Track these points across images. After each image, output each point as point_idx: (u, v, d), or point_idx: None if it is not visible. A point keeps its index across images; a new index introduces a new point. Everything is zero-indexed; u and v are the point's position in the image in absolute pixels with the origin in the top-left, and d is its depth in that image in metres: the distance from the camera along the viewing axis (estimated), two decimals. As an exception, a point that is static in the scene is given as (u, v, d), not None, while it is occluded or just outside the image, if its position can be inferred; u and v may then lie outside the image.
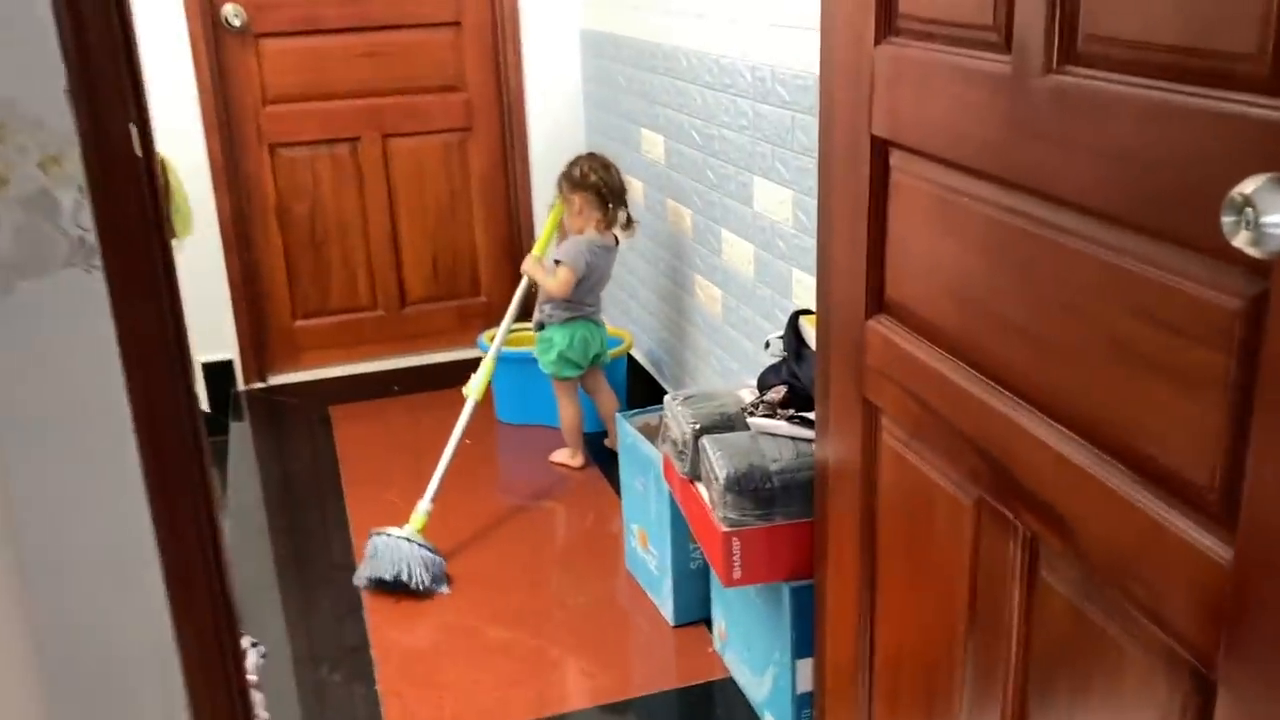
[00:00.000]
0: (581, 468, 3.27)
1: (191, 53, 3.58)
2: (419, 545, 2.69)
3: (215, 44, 3.65)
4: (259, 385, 3.98)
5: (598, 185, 3.05)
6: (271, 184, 3.86)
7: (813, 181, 2.32)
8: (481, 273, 4.19)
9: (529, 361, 3.44)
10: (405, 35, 3.87)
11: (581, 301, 3.13)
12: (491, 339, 3.36)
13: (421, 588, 2.64)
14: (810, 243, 2.34)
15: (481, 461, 3.37)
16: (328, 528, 3.07)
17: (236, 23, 3.63)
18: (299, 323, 4.05)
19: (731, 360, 2.93)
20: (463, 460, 3.31)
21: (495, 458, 3.46)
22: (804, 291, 2.44)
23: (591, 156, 3.16)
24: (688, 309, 3.21)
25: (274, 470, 3.51)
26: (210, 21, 3.61)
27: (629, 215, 3.14)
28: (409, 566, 2.63)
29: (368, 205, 3.98)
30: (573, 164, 3.13)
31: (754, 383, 2.12)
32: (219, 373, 3.89)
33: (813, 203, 2.34)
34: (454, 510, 3.01)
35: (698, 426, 2.00)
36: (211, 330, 3.85)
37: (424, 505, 2.86)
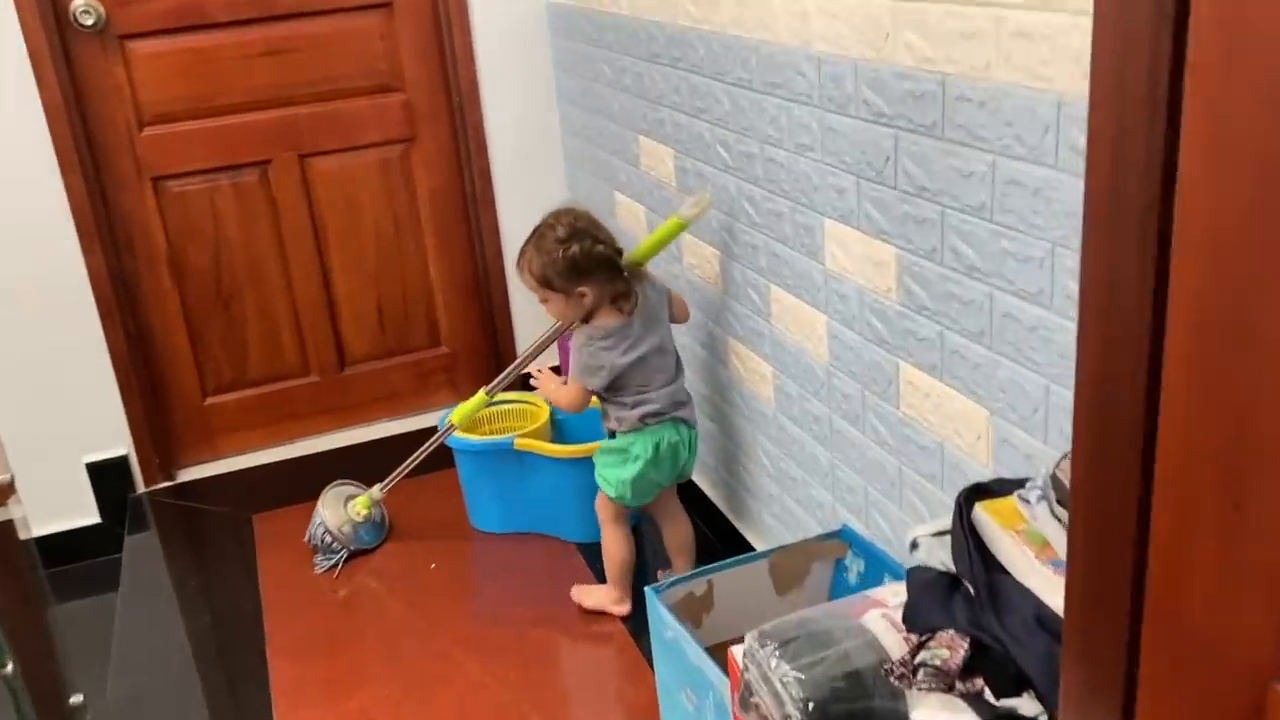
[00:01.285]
0: (626, 618, 2.34)
1: (32, 65, 2.68)
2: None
3: (65, 51, 2.75)
4: (165, 484, 3.11)
5: (610, 256, 2.13)
6: (160, 228, 2.98)
7: (928, 239, 1.49)
8: (440, 318, 3.33)
9: (513, 454, 2.61)
10: (319, 24, 2.97)
11: (645, 388, 2.16)
12: (461, 415, 2.53)
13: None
14: (928, 331, 1.51)
15: (453, 597, 2.53)
16: (242, 707, 2.24)
17: (88, 21, 2.72)
18: (210, 400, 3.18)
19: (794, 465, 2.10)
20: (425, 596, 2.49)
21: (472, 591, 2.62)
22: (921, 401, 1.61)
23: (571, 218, 2.16)
24: (723, 384, 2.38)
25: (182, 603, 2.65)
26: (54, 22, 2.71)
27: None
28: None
29: (288, 245, 3.11)
30: (557, 247, 2.11)
31: (831, 509, 1.29)
32: (111, 473, 3.03)
33: (933, 270, 1.50)
34: (417, 693, 2.19)
35: (812, 708, 1.17)
36: (96, 421, 2.98)
37: (374, 490, 2.65)
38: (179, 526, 3.00)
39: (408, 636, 2.38)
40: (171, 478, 3.13)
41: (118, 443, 3.03)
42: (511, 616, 2.42)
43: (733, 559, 1.81)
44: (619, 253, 2.14)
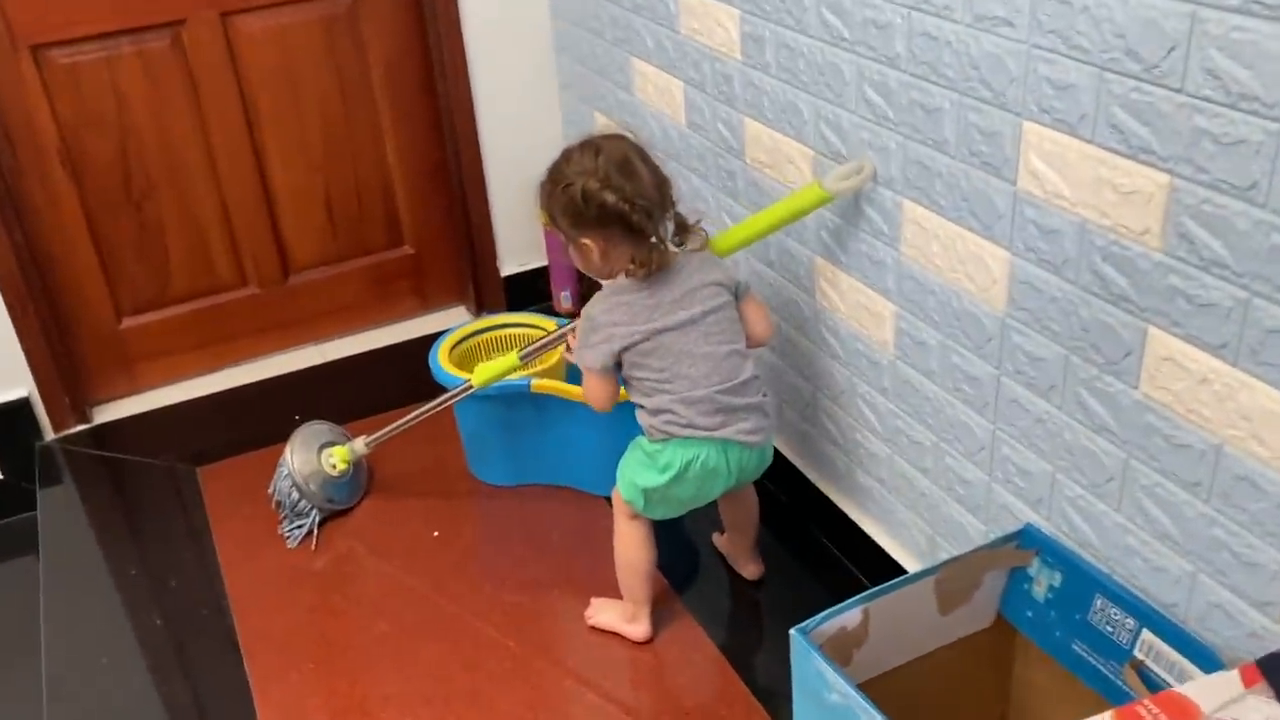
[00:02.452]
0: (648, 641, 1.85)
1: None
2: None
3: (-105, -125, 2.04)
4: (78, 429, 2.55)
5: (621, 210, 1.58)
6: (46, 112, 2.32)
7: (1242, 166, 1.02)
8: (402, 212, 2.76)
9: (528, 398, 2.12)
10: None
11: (665, 385, 1.63)
12: (485, 376, 2.00)
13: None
14: (1217, 295, 1.05)
15: (460, 567, 2.07)
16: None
17: None
18: (127, 322, 2.59)
19: (921, 428, 1.66)
20: (425, 565, 2.03)
21: (483, 559, 2.14)
22: (1184, 385, 1.17)
23: (596, 151, 1.61)
24: (801, 313, 1.90)
25: (118, 581, 2.14)
26: None
27: (681, 220, 1.68)
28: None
29: (211, 129, 2.48)
30: (562, 180, 1.62)
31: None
32: (10, 419, 2.45)
33: (1243, 214, 1.04)
34: (428, 688, 1.74)
35: None
36: (-17, 358, 2.39)
37: (358, 444, 2.17)
38: (103, 481, 2.45)
39: (409, 616, 1.93)
40: (87, 419, 2.56)
41: (15, 383, 2.44)
42: (537, 587, 1.98)
43: (893, 583, 1.38)
44: (648, 212, 1.58)
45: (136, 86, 2.37)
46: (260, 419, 2.55)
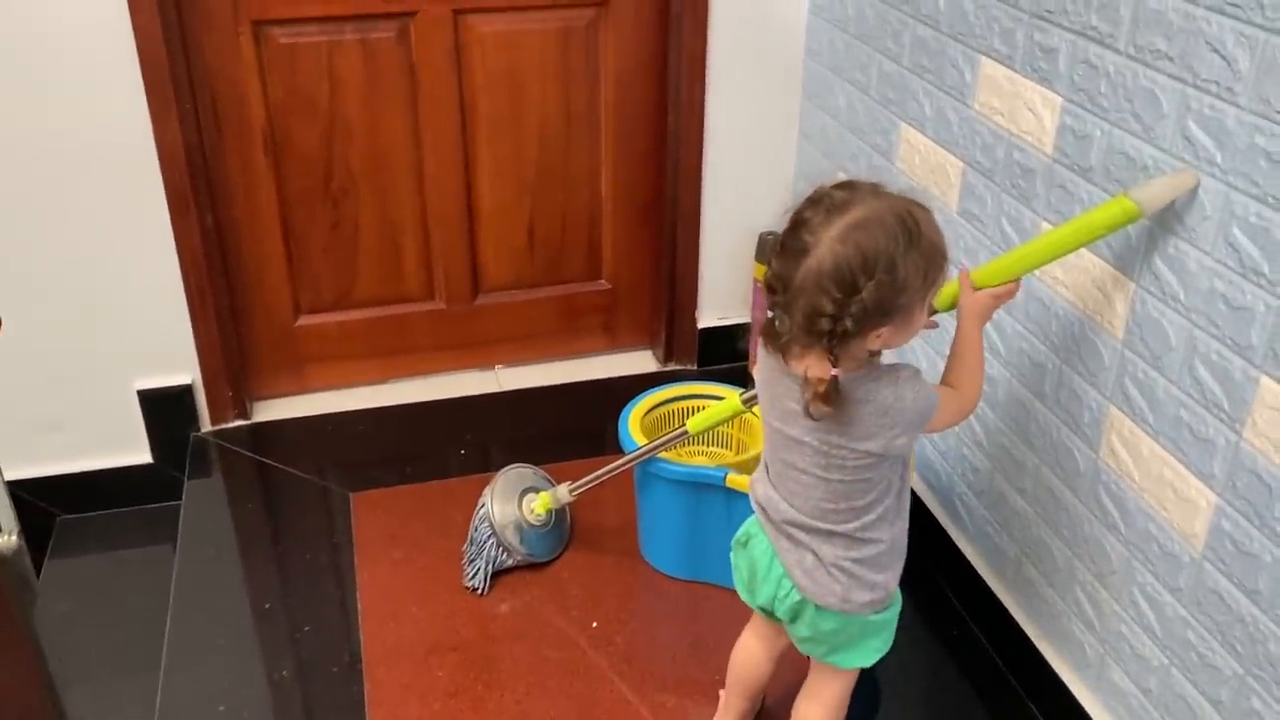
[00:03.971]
0: None
1: None
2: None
3: None
4: (237, 424, 2.40)
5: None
6: (258, 92, 2.17)
7: None
8: (605, 245, 2.54)
9: (720, 490, 1.87)
10: None
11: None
12: (702, 423, 1.78)
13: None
14: None
15: (618, 670, 1.82)
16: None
17: None
18: (303, 320, 2.43)
19: (1223, 649, 1.33)
20: (576, 671, 1.77)
21: (642, 665, 1.89)
22: None
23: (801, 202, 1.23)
24: (1072, 465, 1.59)
25: (253, 597, 1.97)
26: None
27: None
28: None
29: (424, 131, 2.29)
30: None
31: None
32: (171, 406, 2.31)
33: None
34: None
35: None
36: (155, 338, 2.25)
37: (561, 490, 1.98)
38: (253, 486, 2.29)
39: (552, 712, 1.70)
40: (246, 414, 2.41)
41: (181, 368, 2.30)
42: (691, 689, 1.72)
43: None
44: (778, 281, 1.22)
45: (354, 75, 2.20)
46: (425, 442, 2.37)
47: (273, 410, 2.46)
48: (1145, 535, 1.45)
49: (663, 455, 1.91)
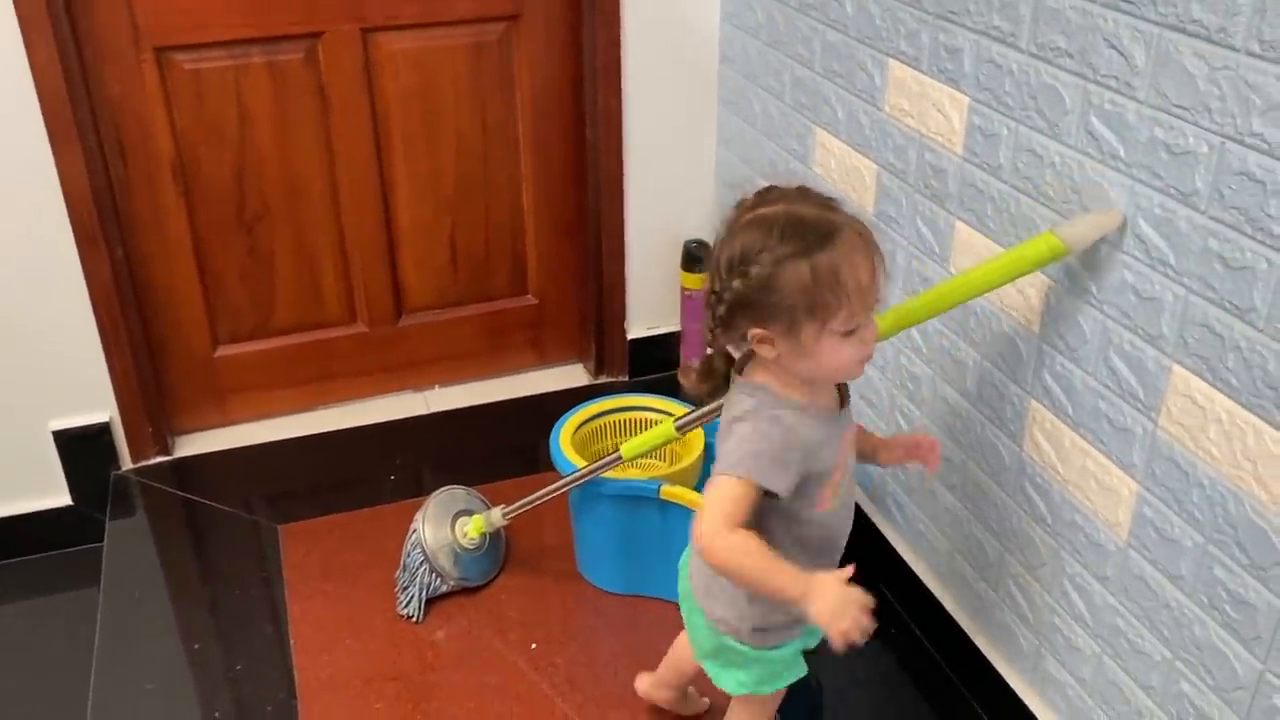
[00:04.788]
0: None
1: None
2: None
3: None
4: (158, 460, 2.34)
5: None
6: (164, 122, 2.12)
7: None
8: (530, 260, 2.52)
9: (655, 503, 1.87)
10: None
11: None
12: (635, 449, 1.76)
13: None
14: None
15: (559, 692, 1.80)
16: None
17: None
18: (222, 351, 2.38)
19: (1152, 638, 1.35)
20: (515, 697, 1.74)
21: (579, 688, 1.87)
22: None
23: (773, 202, 1.18)
24: (999, 461, 1.60)
25: (173, 658, 1.92)
26: None
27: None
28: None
29: (338, 153, 2.26)
30: (737, 231, 1.18)
31: None
32: (88, 444, 2.25)
33: None
34: None
35: None
36: (69, 377, 2.19)
37: (495, 514, 1.95)
38: (178, 524, 2.23)
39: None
40: (167, 450, 2.35)
41: (97, 405, 2.24)
42: (637, 708, 1.70)
43: None
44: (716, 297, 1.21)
45: (262, 100, 2.16)
46: (354, 469, 2.32)
47: (195, 444, 2.40)
48: (1072, 526, 1.47)
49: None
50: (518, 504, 1.93)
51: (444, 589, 1.94)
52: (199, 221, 2.22)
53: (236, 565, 2.09)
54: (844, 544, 1.35)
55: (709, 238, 1.91)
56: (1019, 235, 1.47)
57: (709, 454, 2.00)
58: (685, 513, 1.83)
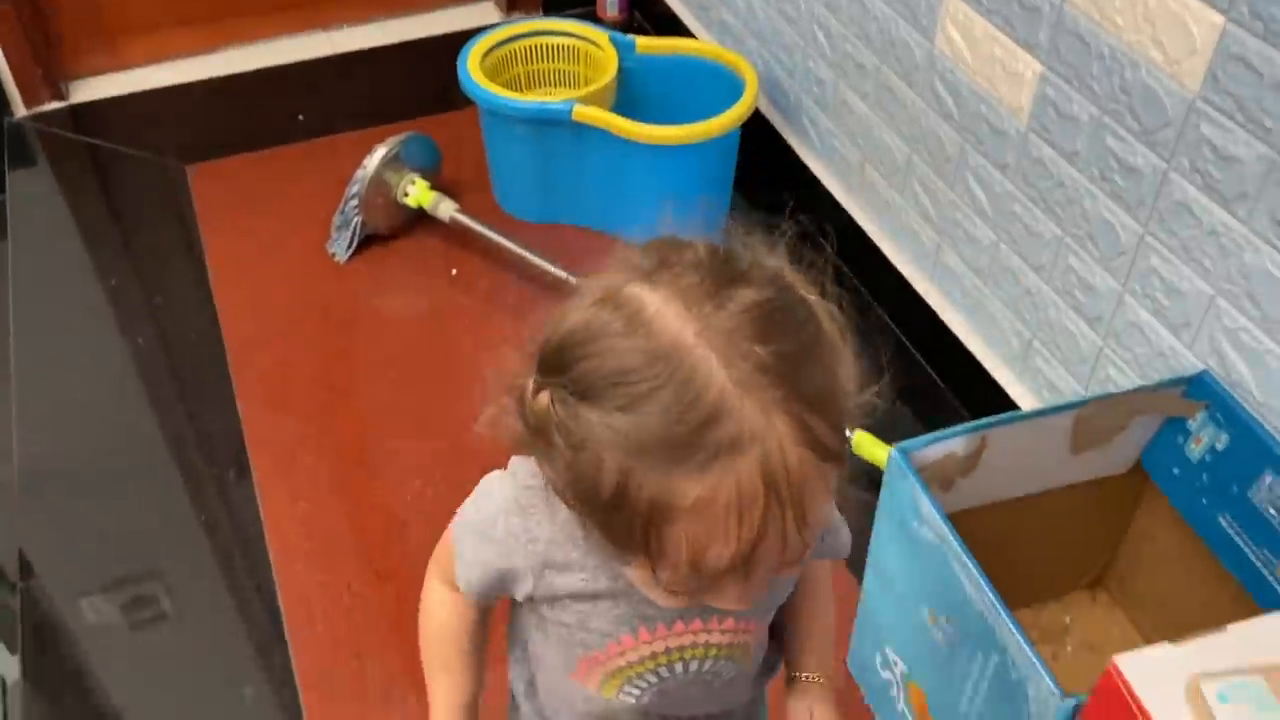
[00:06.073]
0: None
1: None
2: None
3: None
4: (54, 105, 2.25)
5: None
6: None
7: None
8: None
9: (568, 125, 1.84)
10: None
11: None
12: (484, 54, 1.75)
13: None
14: None
15: (485, 316, 1.84)
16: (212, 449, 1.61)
17: None
18: (107, -13, 2.24)
19: (1045, 217, 1.40)
20: (435, 319, 1.80)
21: (497, 309, 1.90)
22: None
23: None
24: (909, 56, 1.59)
25: (100, 275, 1.91)
26: None
27: None
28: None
29: None
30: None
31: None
32: (-28, 89, 2.15)
33: None
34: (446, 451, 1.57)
35: None
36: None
37: (446, 205, 1.91)
38: (82, 169, 2.17)
39: (415, 358, 1.74)
40: (62, 95, 2.25)
41: (-22, 47, 2.12)
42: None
43: (1027, 412, 1.17)
44: None
45: None
46: (260, 109, 2.26)
47: (91, 89, 2.30)
48: (976, 117, 1.48)
49: (507, 94, 1.85)
50: (470, 220, 1.89)
51: (370, 232, 1.92)
52: None
53: (146, 206, 2.05)
54: None
55: None
56: None
57: (624, 77, 1.96)
58: (600, 136, 1.82)
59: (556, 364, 0.59)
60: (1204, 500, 1.16)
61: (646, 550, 0.58)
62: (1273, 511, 1.09)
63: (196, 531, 1.53)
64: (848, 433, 0.60)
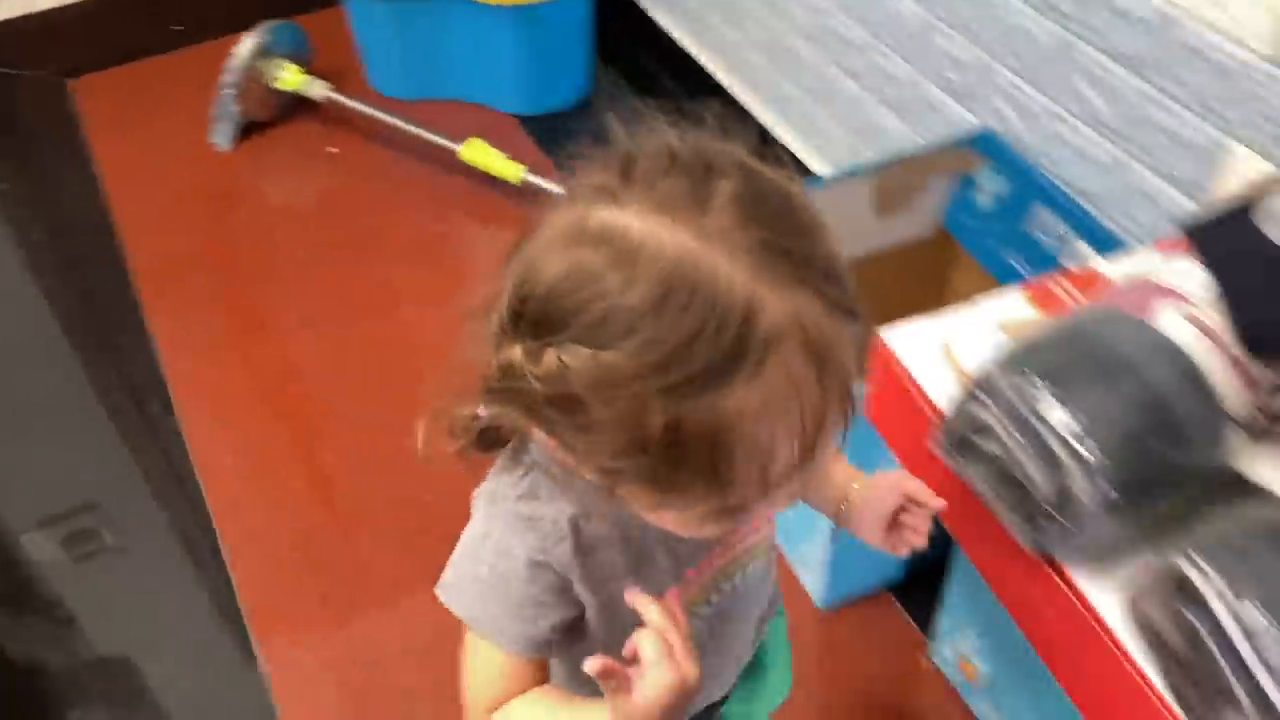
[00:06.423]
0: None
1: None
2: None
3: None
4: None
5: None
6: None
7: None
8: None
9: None
10: None
11: None
12: None
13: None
14: None
15: (365, 196, 1.95)
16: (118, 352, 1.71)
17: None
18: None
19: (857, 26, 1.54)
20: (326, 195, 1.92)
21: (387, 183, 2.00)
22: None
23: None
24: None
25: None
26: None
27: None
28: None
29: None
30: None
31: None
32: None
33: None
34: (339, 330, 1.69)
35: (1108, 471, 0.75)
36: None
37: (319, 86, 1.98)
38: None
39: (304, 240, 1.84)
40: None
41: None
42: (448, 217, 1.88)
43: (831, 175, 1.32)
44: None
45: None
46: (137, 27, 2.30)
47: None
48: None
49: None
50: (344, 98, 1.97)
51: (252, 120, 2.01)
52: None
53: (30, 119, 2.13)
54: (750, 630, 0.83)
55: None
56: None
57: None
58: (469, 7, 1.90)
59: (551, 321, 0.53)
60: (994, 244, 1.32)
61: (714, 478, 0.54)
62: (1041, 236, 1.26)
63: (99, 394, 1.63)
64: None
